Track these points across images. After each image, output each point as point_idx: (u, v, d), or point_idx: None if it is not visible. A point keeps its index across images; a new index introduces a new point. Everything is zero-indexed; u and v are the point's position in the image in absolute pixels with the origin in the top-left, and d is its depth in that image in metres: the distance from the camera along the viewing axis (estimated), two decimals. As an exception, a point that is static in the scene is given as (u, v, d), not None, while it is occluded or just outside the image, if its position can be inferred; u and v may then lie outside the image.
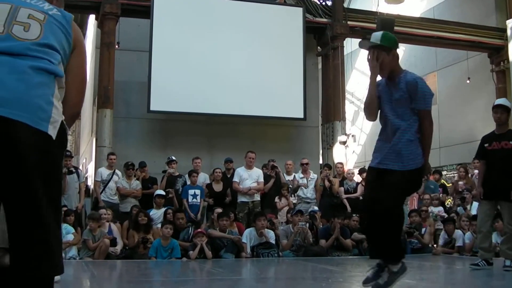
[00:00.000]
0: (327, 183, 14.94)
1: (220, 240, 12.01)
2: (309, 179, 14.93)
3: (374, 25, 18.61)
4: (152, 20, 16.93)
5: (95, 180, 14.41)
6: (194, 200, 13.72)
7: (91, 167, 19.82)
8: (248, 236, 12.19)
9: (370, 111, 5.56)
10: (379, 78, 5.61)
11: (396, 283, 5.38)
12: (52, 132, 2.71)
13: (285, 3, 19.33)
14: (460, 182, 15.29)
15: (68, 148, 30.57)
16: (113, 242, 11.71)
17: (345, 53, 20.16)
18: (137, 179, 14.37)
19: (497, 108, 8.80)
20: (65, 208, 12.40)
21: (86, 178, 18.14)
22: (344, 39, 19.78)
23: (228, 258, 11.64)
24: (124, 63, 17.44)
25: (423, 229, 13.48)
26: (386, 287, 5.31)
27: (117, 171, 14.19)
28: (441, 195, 15.55)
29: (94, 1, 17.14)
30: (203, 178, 14.68)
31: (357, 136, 24.37)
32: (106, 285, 8.39)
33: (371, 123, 5.74)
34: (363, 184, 15.02)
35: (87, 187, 15.65)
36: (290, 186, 14.85)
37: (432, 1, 25.30)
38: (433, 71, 24.86)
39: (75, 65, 3.09)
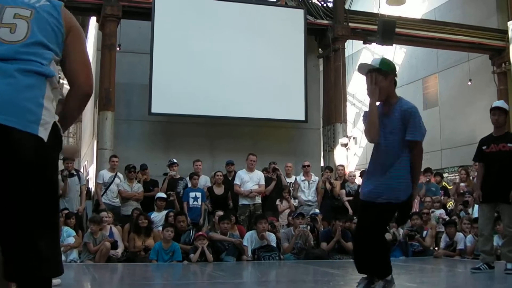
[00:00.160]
0: (328, 185, 14.93)
1: (221, 243, 11.99)
2: (311, 181, 14.92)
3: (375, 27, 18.79)
4: (153, 22, 16.94)
5: (96, 183, 14.41)
6: (195, 203, 13.71)
7: (92, 170, 19.82)
8: (249, 239, 12.17)
9: (373, 134, 5.53)
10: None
11: None
12: (43, 134, 2.68)
13: (286, 5, 19.32)
14: (462, 184, 15.28)
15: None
16: (114, 245, 11.70)
17: (346, 55, 20.16)
18: (139, 181, 14.36)
19: (494, 110, 8.78)
20: (66, 211, 12.41)
21: (87, 180, 18.14)
22: (345, 41, 19.78)
23: (229, 261, 11.63)
24: (125, 65, 17.43)
25: (425, 232, 13.46)
26: None
27: (119, 173, 14.18)
28: (442, 197, 15.54)
29: (95, 3, 17.13)
30: (204, 180, 14.68)
31: (358, 138, 24.39)
32: (107, 288, 8.39)
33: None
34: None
35: (88, 189, 15.63)
36: (291, 188, 14.86)
37: (433, 2, 25.30)
38: (435, 72, 24.87)
39: (73, 50, 3.06)
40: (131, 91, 17.69)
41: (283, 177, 14.77)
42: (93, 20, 21.18)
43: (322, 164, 19.42)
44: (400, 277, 9.45)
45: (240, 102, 17.47)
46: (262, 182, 14.03)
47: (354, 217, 13.61)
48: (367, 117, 5.56)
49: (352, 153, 22.70)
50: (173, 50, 17.07)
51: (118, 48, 17.12)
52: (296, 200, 14.81)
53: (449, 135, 22.45)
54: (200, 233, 11.96)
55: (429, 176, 15.67)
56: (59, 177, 12.94)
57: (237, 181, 13.91)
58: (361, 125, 27.87)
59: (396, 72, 5.68)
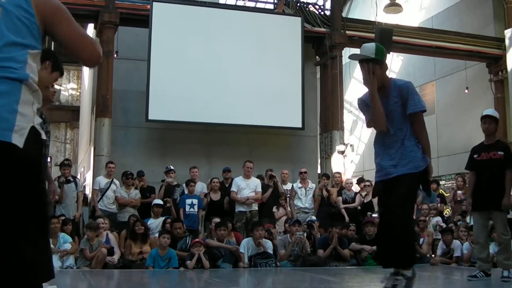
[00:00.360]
0: (325, 192, 14.92)
1: (217, 250, 11.97)
2: (307, 188, 14.90)
3: (373, 35, 18.80)
4: (151, 29, 16.96)
5: (93, 189, 14.39)
6: (192, 209, 13.71)
7: (89, 176, 19.81)
8: (246, 246, 12.16)
9: (381, 121, 5.56)
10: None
11: None
12: (18, 140, 2.60)
13: (283, 13, 19.36)
14: (459, 192, 15.28)
15: (67, 157, 30.59)
16: (111, 252, 11.69)
17: (343, 62, 20.18)
18: (135, 188, 14.35)
19: (485, 119, 8.81)
20: (63, 217, 12.41)
21: (84, 187, 18.12)
22: (343, 49, 19.78)
23: (225, 268, 11.61)
24: (122, 72, 17.45)
25: (421, 239, 13.45)
26: None
27: (115, 180, 14.16)
28: (439, 204, 15.54)
29: (93, 10, 17.15)
30: (200, 187, 14.68)
31: (355, 146, 24.44)
32: (103, 295, 8.38)
33: (369, 132, 5.82)
34: (361, 194, 15.05)
35: (85, 196, 15.62)
36: (288, 195, 14.87)
37: (430, 10, 25.35)
38: (432, 80, 24.91)
39: (64, 34, 2.97)
40: (128, 97, 17.69)
41: (279, 184, 14.76)
42: (90, 27, 21.18)
43: (319, 171, 19.41)
44: (396, 284, 9.45)
45: (237, 109, 17.49)
46: (259, 189, 14.02)
47: (351, 224, 13.65)
48: (372, 109, 5.56)
49: (349, 160, 22.64)
50: (170, 57, 17.09)
51: (115, 55, 17.13)
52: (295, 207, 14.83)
53: (446, 142, 22.46)
54: (196, 240, 11.95)
55: (426, 183, 15.63)
56: (56, 183, 12.96)
57: (233, 188, 13.90)
58: (358, 133, 27.93)
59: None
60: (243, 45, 17.97)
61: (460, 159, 19.50)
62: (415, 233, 5.79)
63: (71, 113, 34.00)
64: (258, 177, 14.65)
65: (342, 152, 18.78)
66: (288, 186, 15.13)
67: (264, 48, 18.16)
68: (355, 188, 16.14)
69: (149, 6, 17.16)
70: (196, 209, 13.74)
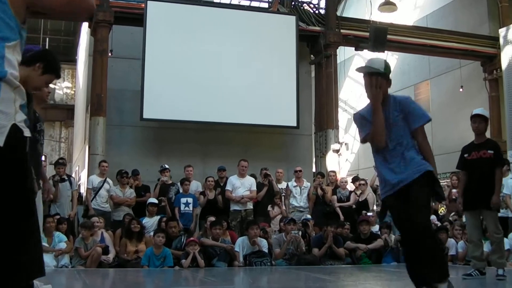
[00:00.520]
0: (320, 191, 14.92)
1: (212, 248, 11.97)
2: (302, 187, 14.91)
3: (367, 34, 18.81)
4: (145, 28, 16.94)
5: (86, 188, 14.37)
6: (186, 208, 13.71)
7: (84, 175, 19.78)
8: (241, 245, 12.16)
9: (381, 137, 5.49)
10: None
11: None
12: None
13: (278, 12, 19.36)
14: (453, 190, 15.29)
15: (61, 156, 30.54)
16: (106, 251, 11.68)
17: (338, 61, 20.18)
18: (130, 187, 14.34)
19: (475, 118, 8.84)
20: (57, 216, 12.40)
21: (79, 186, 18.10)
22: (337, 48, 19.80)
23: (220, 266, 11.61)
24: (117, 71, 17.43)
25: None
26: None
27: (108, 179, 14.15)
28: (433, 203, 15.54)
29: (88, 9, 17.09)
30: (195, 186, 14.68)
31: (350, 144, 24.43)
32: (98, 294, 8.37)
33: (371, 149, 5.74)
34: (356, 192, 15.05)
35: (80, 195, 15.61)
36: (283, 194, 14.86)
37: (425, 9, 25.37)
38: (426, 79, 24.94)
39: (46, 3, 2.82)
40: (123, 96, 17.67)
41: (274, 183, 14.76)
42: (85, 26, 21.19)
43: (314, 170, 19.41)
44: (392, 283, 9.48)
45: (232, 108, 17.48)
46: (254, 188, 14.04)
47: (346, 223, 13.67)
48: (375, 124, 5.50)
49: (344, 159, 22.67)
50: (165, 56, 17.09)
51: (110, 54, 17.11)
52: (290, 206, 14.83)
53: (440, 141, 22.46)
54: (191, 238, 11.95)
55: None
56: (50, 182, 12.94)
57: (228, 187, 13.91)
58: (352, 131, 27.93)
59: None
60: (238, 44, 17.95)
61: (455, 158, 19.47)
62: (441, 241, 5.69)
63: (66, 112, 33.95)
64: (251, 175, 14.64)
65: (337, 151, 18.78)
66: (283, 185, 15.14)
67: (259, 47, 18.16)
68: (350, 186, 16.15)
69: (143, 5, 17.15)
70: (191, 208, 13.74)
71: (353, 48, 20.42)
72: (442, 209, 15.91)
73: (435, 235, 5.47)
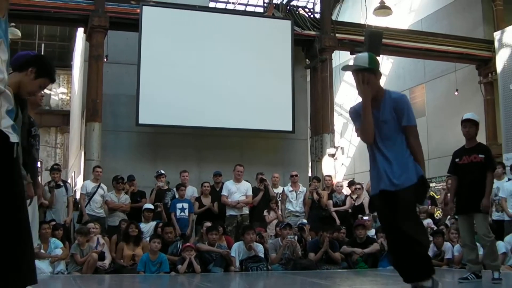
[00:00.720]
0: (315, 196, 14.93)
1: (208, 254, 11.97)
2: (298, 192, 14.91)
3: (363, 38, 18.80)
4: (141, 33, 16.93)
5: (80, 193, 14.34)
6: (182, 214, 13.70)
7: (79, 181, 19.76)
8: (237, 250, 12.15)
9: (369, 135, 5.56)
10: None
11: None
12: None
13: (273, 16, 19.36)
14: (449, 194, 15.30)
15: (57, 161, 30.50)
16: (102, 256, 11.66)
17: (333, 65, 20.17)
18: (126, 192, 14.33)
19: (465, 123, 8.85)
20: (53, 223, 12.38)
21: (75, 191, 18.08)
22: (333, 52, 19.80)
23: (216, 272, 11.61)
24: (112, 76, 17.42)
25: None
26: None
27: (102, 184, 14.13)
28: (429, 207, 15.56)
29: (83, 14, 17.10)
30: (191, 191, 14.69)
31: (346, 149, 24.42)
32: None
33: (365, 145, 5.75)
34: (352, 197, 15.05)
35: (75, 200, 15.58)
36: (279, 199, 14.86)
37: (420, 13, 25.40)
38: (421, 83, 24.96)
39: None
40: (118, 102, 17.66)
41: (270, 187, 14.76)
42: (80, 31, 21.19)
43: (309, 175, 19.41)
44: (388, 287, 9.47)
45: (227, 112, 17.47)
46: (250, 192, 14.04)
47: (342, 227, 13.66)
48: (363, 120, 5.56)
49: (340, 163, 22.65)
50: (161, 61, 17.08)
51: (105, 59, 17.09)
52: (286, 210, 14.83)
53: (436, 145, 22.48)
54: (187, 244, 11.94)
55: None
56: (46, 188, 12.94)
57: (224, 192, 13.91)
58: (348, 135, 27.94)
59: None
60: (233, 49, 17.95)
61: (450, 161, 19.59)
62: (427, 242, 5.69)
63: (61, 117, 33.89)
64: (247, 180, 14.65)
65: (333, 155, 18.78)
66: (279, 190, 15.13)
67: (254, 51, 18.15)
68: (346, 191, 16.16)
69: (138, 10, 17.13)
70: (186, 213, 13.73)
71: (349, 52, 20.37)
72: (438, 213, 15.94)
73: (420, 237, 5.43)
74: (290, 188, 14.97)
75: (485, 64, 21.31)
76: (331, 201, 15.04)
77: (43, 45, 32.98)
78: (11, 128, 2.68)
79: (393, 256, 5.75)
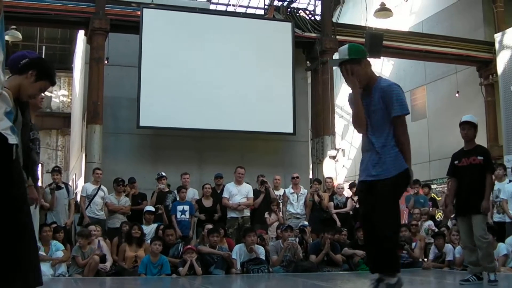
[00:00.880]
0: (316, 197, 14.91)
1: (210, 256, 11.95)
2: (299, 194, 14.90)
3: (363, 40, 18.80)
4: (141, 35, 16.94)
5: (81, 196, 14.34)
6: (183, 216, 13.67)
7: (80, 183, 19.75)
8: (238, 252, 12.14)
9: (361, 123, 5.60)
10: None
11: None
12: None
13: (274, 18, 19.36)
14: (448, 196, 15.29)
15: (58, 164, 30.50)
16: (103, 259, 11.65)
17: (334, 67, 20.16)
18: (127, 195, 14.32)
19: (464, 125, 8.85)
20: (54, 225, 12.37)
21: (76, 194, 18.08)
22: (333, 54, 19.72)
23: (218, 274, 11.59)
24: (113, 79, 17.42)
25: (414, 244, 13.47)
26: None
27: (102, 186, 14.13)
28: (431, 208, 15.55)
29: (83, 17, 17.11)
30: (192, 193, 14.68)
31: (346, 150, 24.44)
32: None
33: (361, 137, 5.74)
34: (353, 198, 15.03)
35: (76, 203, 15.58)
36: (280, 201, 14.85)
37: (420, 15, 25.39)
38: (422, 84, 24.93)
39: None
40: (119, 104, 17.66)
41: (271, 189, 14.74)
42: (81, 34, 21.20)
43: (310, 177, 19.40)
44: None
45: (228, 115, 17.47)
46: (251, 195, 14.03)
47: (343, 229, 13.65)
48: (353, 110, 5.60)
49: (341, 165, 22.67)
50: (161, 63, 17.08)
51: (106, 62, 17.10)
52: (287, 213, 14.82)
53: (437, 146, 22.48)
54: (188, 246, 11.94)
55: (418, 187, 15.69)
56: (47, 190, 12.94)
57: (225, 194, 13.90)
58: (349, 137, 27.94)
59: (367, 53, 5.64)
60: (234, 51, 17.95)
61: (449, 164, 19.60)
62: (396, 239, 5.64)
63: (62, 120, 33.89)
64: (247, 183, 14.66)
65: (334, 157, 18.77)
66: (280, 192, 15.11)
67: (255, 53, 18.15)
68: (347, 193, 16.15)
69: (139, 13, 17.14)
70: (187, 216, 13.71)
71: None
72: (440, 215, 15.92)
73: (392, 235, 5.41)
74: (291, 190, 14.96)
75: (486, 66, 21.30)
76: (332, 203, 15.03)
77: (44, 47, 32.96)
78: (10, 130, 2.67)
79: (365, 246, 5.78)
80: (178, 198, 14.08)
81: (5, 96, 2.69)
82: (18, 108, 4.42)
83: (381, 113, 5.39)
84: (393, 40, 20.09)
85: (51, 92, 33.65)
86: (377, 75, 5.61)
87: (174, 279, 11.07)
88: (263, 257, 12.24)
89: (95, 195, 13.80)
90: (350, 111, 5.82)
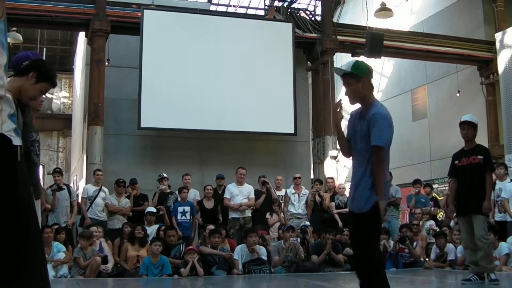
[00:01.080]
0: (318, 198, 14.91)
1: (211, 257, 11.96)
2: (301, 194, 14.90)
3: (364, 40, 18.78)
4: (142, 36, 16.93)
5: (81, 197, 14.35)
6: (183, 217, 13.67)
7: (82, 185, 19.75)
8: (240, 253, 12.15)
9: (341, 148, 5.71)
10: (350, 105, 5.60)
11: None
12: None
13: (274, 19, 19.35)
14: (449, 196, 15.29)
15: (59, 165, 30.52)
16: (105, 260, 11.66)
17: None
18: (128, 196, 14.33)
19: (463, 125, 8.89)
20: (56, 226, 12.38)
21: (77, 195, 18.10)
22: (334, 54, 19.78)
23: (219, 275, 11.60)
24: (114, 80, 17.40)
25: (415, 243, 13.47)
26: None
27: (103, 187, 14.15)
28: (432, 208, 15.55)
29: (84, 18, 17.11)
30: (193, 194, 14.68)
31: (348, 151, 24.31)
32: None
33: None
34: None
35: (78, 204, 15.61)
36: (282, 201, 14.85)
37: (421, 14, 25.37)
38: (423, 84, 24.91)
39: None
40: (120, 105, 17.65)
41: (273, 190, 14.74)
42: (81, 35, 21.21)
43: (311, 177, 19.39)
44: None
45: (229, 115, 17.46)
46: (252, 195, 14.04)
47: (344, 229, 13.65)
48: (337, 138, 5.66)
49: (342, 165, 22.63)
50: (162, 64, 17.08)
51: (106, 63, 17.09)
52: (288, 213, 14.82)
53: (438, 146, 22.47)
54: (190, 247, 11.95)
55: (419, 187, 15.71)
56: (49, 191, 12.96)
57: (226, 195, 13.91)
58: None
59: (371, 76, 5.56)
60: (235, 52, 17.95)
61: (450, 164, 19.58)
62: (379, 262, 5.54)
63: (63, 121, 33.92)
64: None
65: (335, 157, 18.75)
66: (282, 192, 15.11)
67: (256, 54, 18.15)
68: (348, 193, 16.12)
69: (140, 14, 17.13)
70: (188, 217, 13.71)
71: (350, 55, 20.36)
72: (441, 214, 15.92)
73: (372, 263, 5.37)
74: (293, 191, 14.96)
75: (487, 65, 21.29)
76: (333, 203, 15.01)
77: (44, 49, 32.93)
78: (14, 131, 2.67)
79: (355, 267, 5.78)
80: (179, 199, 14.09)
81: (8, 98, 2.69)
82: (18, 109, 4.41)
83: (365, 140, 5.26)
84: (393, 40, 20.09)
85: (52, 94, 33.68)
86: (375, 99, 5.49)
87: (175, 280, 11.09)
88: (264, 257, 12.26)
89: (96, 197, 13.82)
90: (351, 110, 5.78)
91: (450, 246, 12.82)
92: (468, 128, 8.85)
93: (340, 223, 14.46)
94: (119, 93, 17.58)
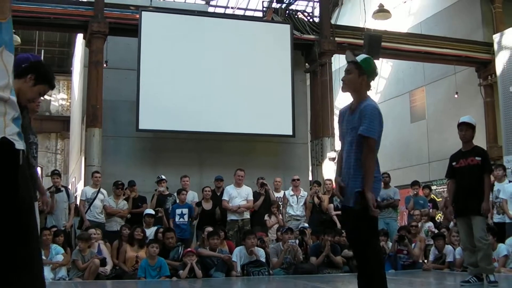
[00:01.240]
0: (316, 199, 14.90)
1: (210, 259, 11.94)
2: (299, 196, 14.89)
3: (362, 41, 18.79)
4: (140, 38, 16.93)
5: (80, 199, 14.34)
6: (182, 219, 13.64)
7: (80, 187, 19.74)
8: (238, 255, 12.14)
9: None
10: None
11: None
12: None
13: (272, 20, 19.37)
14: (448, 197, 15.29)
15: (57, 167, 30.49)
16: (103, 262, 11.65)
17: (333, 69, 20.15)
18: (127, 198, 14.32)
19: (462, 126, 8.90)
20: (54, 229, 12.36)
21: (76, 197, 18.08)
22: (332, 56, 19.78)
23: (218, 277, 11.58)
24: (112, 82, 17.40)
25: (413, 245, 13.46)
26: None
27: (102, 189, 14.13)
28: (431, 210, 15.55)
29: (82, 20, 17.12)
30: (191, 196, 14.66)
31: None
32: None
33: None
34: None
35: (76, 206, 15.59)
36: (280, 203, 14.84)
37: (419, 16, 25.39)
38: (421, 86, 24.92)
39: None
40: (119, 107, 17.65)
41: (271, 192, 14.73)
42: (80, 37, 21.19)
43: (310, 179, 19.39)
44: (389, 291, 9.45)
45: (227, 117, 17.48)
46: (250, 197, 14.00)
47: (343, 231, 13.64)
48: None
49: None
50: (160, 66, 17.09)
51: (105, 65, 17.09)
52: (286, 215, 14.80)
53: (436, 147, 22.48)
54: (189, 249, 11.94)
55: (417, 189, 15.70)
56: (47, 193, 12.91)
57: (225, 197, 13.88)
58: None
59: (373, 77, 5.57)
60: (233, 54, 17.95)
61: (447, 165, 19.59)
62: (378, 260, 5.52)
63: (62, 123, 33.89)
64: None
65: (333, 159, 18.74)
66: (281, 194, 15.10)
67: (254, 56, 18.16)
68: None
69: (138, 16, 17.15)
70: (186, 219, 13.69)
71: (347, 51, 20.39)
72: (439, 216, 15.92)
73: (374, 254, 5.35)
74: (291, 192, 14.95)
75: (485, 67, 21.30)
76: (332, 205, 14.99)
77: (42, 51, 32.97)
78: (17, 135, 2.66)
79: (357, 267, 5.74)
80: (178, 201, 14.08)
81: (13, 101, 2.68)
82: None
83: (356, 131, 5.27)
84: (391, 42, 20.11)
85: (50, 96, 33.66)
86: (369, 96, 5.52)
87: (174, 282, 11.08)
88: (263, 259, 12.26)
89: (94, 199, 13.81)
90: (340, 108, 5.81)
91: (448, 247, 12.82)
92: (466, 129, 8.85)
93: (339, 225, 14.43)
94: (118, 95, 17.59)
